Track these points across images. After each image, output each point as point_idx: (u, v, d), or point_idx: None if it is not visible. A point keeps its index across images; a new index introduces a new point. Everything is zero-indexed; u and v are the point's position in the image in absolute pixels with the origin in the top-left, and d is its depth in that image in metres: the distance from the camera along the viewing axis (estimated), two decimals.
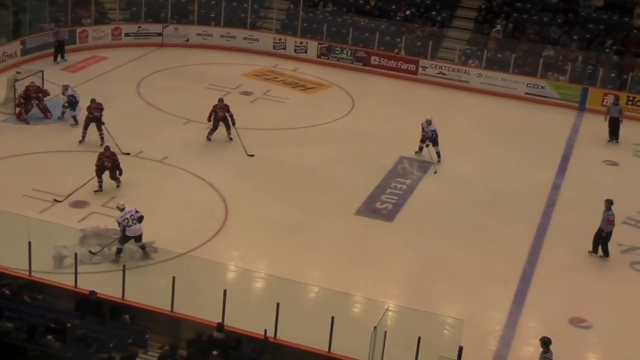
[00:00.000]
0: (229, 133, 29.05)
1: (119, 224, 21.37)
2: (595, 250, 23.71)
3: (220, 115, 28.83)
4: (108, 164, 25.06)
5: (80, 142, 28.05)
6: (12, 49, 35.07)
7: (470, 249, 23.78)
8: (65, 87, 30.10)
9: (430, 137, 28.67)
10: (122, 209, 21.44)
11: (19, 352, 15.06)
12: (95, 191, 24.99)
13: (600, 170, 30.11)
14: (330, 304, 19.27)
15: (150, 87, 34.15)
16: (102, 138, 27.84)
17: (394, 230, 24.70)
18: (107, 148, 25.54)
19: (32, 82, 30.21)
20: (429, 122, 28.71)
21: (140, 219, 21.40)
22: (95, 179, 24.98)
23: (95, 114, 27.95)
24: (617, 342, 20.52)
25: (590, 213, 25.86)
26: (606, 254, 23.64)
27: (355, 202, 25.80)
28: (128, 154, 27.19)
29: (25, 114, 29.67)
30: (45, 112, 29.81)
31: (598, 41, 38.02)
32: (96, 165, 25.00)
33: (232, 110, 29.04)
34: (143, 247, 21.58)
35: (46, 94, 30.24)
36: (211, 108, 28.93)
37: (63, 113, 29.99)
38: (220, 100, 29.19)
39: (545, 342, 17.78)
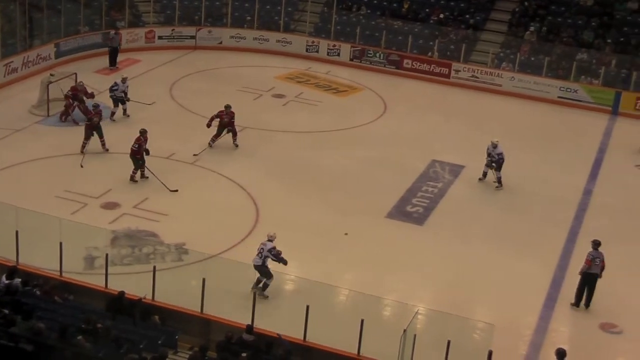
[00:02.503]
0: (234, 139, 28.87)
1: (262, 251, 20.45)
2: (578, 302, 21.39)
3: (226, 122, 28.71)
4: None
5: (82, 152, 27.57)
6: (46, 52, 35.39)
7: (501, 253, 23.70)
8: (125, 79, 30.89)
9: (496, 161, 27.26)
10: (269, 239, 20.63)
11: (51, 352, 15.19)
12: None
13: (633, 174, 29.88)
14: (360, 307, 19.29)
15: (183, 90, 34.29)
16: (103, 145, 27.79)
17: (425, 233, 24.66)
18: (227, 106, 28.10)
19: (80, 82, 30.69)
20: (494, 145, 27.29)
21: (265, 257, 20.31)
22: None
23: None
24: None
25: (622, 218, 25.82)
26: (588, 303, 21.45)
27: (387, 205, 25.79)
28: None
29: (72, 114, 29.91)
30: (86, 113, 29.90)
31: (632, 44, 37.76)
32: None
33: (264, 112, 29.04)
34: (259, 282, 20.55)
35: (92, 96, 30.49)
36: (216, 113, 28.78)
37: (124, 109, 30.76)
38: (228, 106, 28.90)
39: (560, 354, 17.40)
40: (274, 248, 20.35)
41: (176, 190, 25.54)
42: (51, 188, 24.97)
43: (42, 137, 28.87)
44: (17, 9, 34.80)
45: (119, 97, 30.57)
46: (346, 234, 22.54)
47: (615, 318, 20.96)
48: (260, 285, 20.30)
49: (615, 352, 20.34)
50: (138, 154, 26.02)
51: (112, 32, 36.78)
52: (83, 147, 27.55)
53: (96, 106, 28.54)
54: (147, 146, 26.23)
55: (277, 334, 17.69)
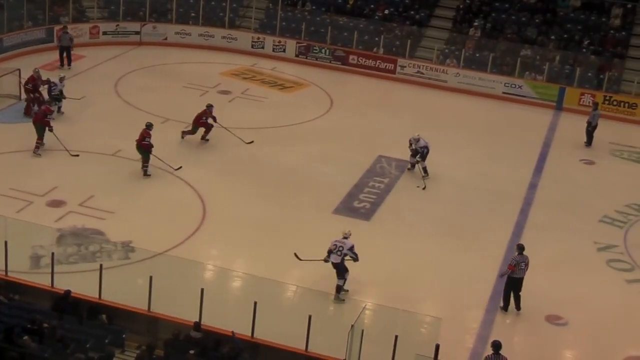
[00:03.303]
0: (206, 135, 29.04)
1: (335, 248, 20.82)
2: (506, 306, 21.23)
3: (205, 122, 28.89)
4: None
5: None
6: None
7: (448, 247, 23.86)
8: (62, 78, 30.58)
9: (421, 154, 27.66)
10: (345, 237, 21.01)
11: None
12: None
13: (577, 169, 30.28)
14: (307, 303, 19.33)
15: (129, 86, 34.06)
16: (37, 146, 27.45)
17: (372, 229, 24.72)
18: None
19: (36, 69, 30.44)
20: (417, 140, 27.73)
21: (344, 255, 20.72)
22: None
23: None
24: (593, 339, 20.64)
25: (567, 212, 26.14)
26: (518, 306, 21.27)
27: (333, 201, 25.84)
28: (77, 155, 27.03)
29: (34, 107, 29.31)
30: (41, 104, 29.48)
31: (575, 41, 38.22)
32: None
33: (211, 109, 29.03)
34: (338, 288, 20.89)
35: (47, 82, 30.16)
36: (202, 112, 28.81)
37: (59, 107, 30.33)
38: (210, 106, 28.97)
39: (496, 346, 17.57)
40: (354, 246, 20.77)
41: (180, 167, 26.69)
42: None
43: None
44: None
45: (56, 96, 30.17)
46: (295, 254, 22.38)
47: (560, 310, 21.21)
48: (339, 293, 20.80)
49: (562, 344, 20.54)
50: (148, 148, 26.26)
51: (61, 29, 36.24)
52: (36, 147, 27.21)
53: (62, 78, 29.04)
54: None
55: (232, 332, 17.66)
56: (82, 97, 31.08)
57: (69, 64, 35.64)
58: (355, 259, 20.85)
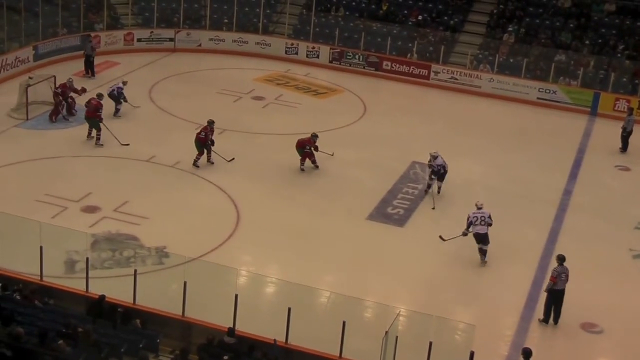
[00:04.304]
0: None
1: (470, 218, 23.09)
2: (547, 319, 20.90)
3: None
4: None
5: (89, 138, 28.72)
6: (25, 55, 35.21)
7: None
8: (125, 82, 31.79)
9: (436, 172, 26.56)
10: (479, 208, 23.30)
11: (30, 357, 15.10)
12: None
13: (612, 175, 30.05)
14: (341, 309, 19.23)
15: (163, 92, 34.21)
16: (98, 139, 28.50)
17: (406, 235, 24.69)
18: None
19: (70, 78, 30.99)
20: (434, 157, 26.52)
21: (488, 225, 22.99)
22: None
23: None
24: (629, 347, 20.43)
25: (601, 219, 25.94)
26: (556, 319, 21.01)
27: (367, 207, 25.80)
28: (127, 144, 28.34)
29: (62, 111, 30.16)
30: (70, 110, 30.40)
31: (610, 46, 37.96)
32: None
33: (244, 115, 29.11)
34: (481, 251, 23.16)
35: (83, 90, 31.02)
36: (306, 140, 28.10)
37: (117, 109, 31.27)
38: (315, 136, 28.22)
39: (526, 353, 17.50)
40: (490, 214, 23.11)
41: (233, 159, 28.00)
42: (31, 192, 24.84)
43: (21, 140, 28.72)
44: None
45: (117, 97, 31.14)
46: (440, 237, 23.88)
47: (595, 318, 21.02)
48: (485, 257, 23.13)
49: (597, 352, 20.43)
50: (204, 141, 27.44)
51: (86, 37, 36.47)
52: (98, 138, 28.42)
53: (100, 96, 28.81)
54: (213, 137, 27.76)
55: (274, 340, 17.65)
56: (138, 107, 31.91)
57: (93, 74, 35.78)
58: (491, 224, 23.02)
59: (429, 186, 26.93)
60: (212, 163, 27.70)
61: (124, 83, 31.57)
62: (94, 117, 28.30)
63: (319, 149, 27.96)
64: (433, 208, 26.24)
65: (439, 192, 26.88)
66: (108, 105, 29.84)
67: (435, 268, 22.90)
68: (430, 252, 23.63)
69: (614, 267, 23.68)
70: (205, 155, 27.61)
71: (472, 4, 41.22)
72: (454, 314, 20.11)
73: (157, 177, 26.71)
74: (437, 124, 33.32)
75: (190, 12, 41.06)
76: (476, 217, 22.84)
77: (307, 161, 27.86)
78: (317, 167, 27.92)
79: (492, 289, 22.07)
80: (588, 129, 34.57)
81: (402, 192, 27.04)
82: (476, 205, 23.24)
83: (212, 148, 27.67)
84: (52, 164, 27.13)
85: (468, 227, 22.85)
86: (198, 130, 27.80)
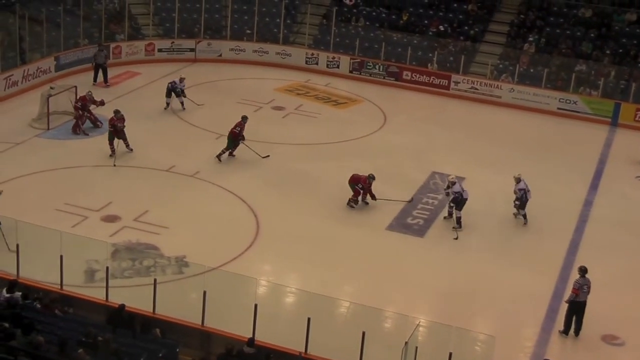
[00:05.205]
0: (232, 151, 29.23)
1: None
2: (567, 331, 20.77)
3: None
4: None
5: (111, 155, 28.19)
6: (47, 65, 35.39)
7: (502, 264, 23.69)
8: (182, 79, 33.27)
9: (455, 199, 25.43)
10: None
11: None
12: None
13: (634, 186, 29.87)
14: (361, 319, 19.19)
15: (184, 102, 34.25)
16: (127, 145, 28.51)
17: (425, 245, 24.64)
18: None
19: (89, 91, 31.00)
20: (453, 183, 25.57)
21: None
22: None
23: (118, 125, 28.20)
24: None
25: (623, 230, 25.79)
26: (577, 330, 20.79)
27: (387, 218, 25.78)
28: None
29: (82, 126, 30.26)
30: (95, 122, 30.43)
31: (631, 56, 37.81)
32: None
33: (264, 124, 29.20)
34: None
35: (102, 103, 31.06)
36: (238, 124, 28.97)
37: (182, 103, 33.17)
38: (245, 118, 29.27)
39: None
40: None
41: (268, 156, 28.94)
42: (51, 201, 24.94)
43: (42, 150, 28.84)
44: (16, 22, 34.82)
45: (175, 90, 32.76)
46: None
47: (617, 330, 20.92)
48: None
49: None
50: (237, 136, 28.54)
51: (97, 48, 36.50)
52: (113, 151, 28.25)
53: (117, 112, 28.59)
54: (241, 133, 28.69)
55: (299, 353, 17.65)
56: (202, 104, 33.54)
57: (106, 82, 35.79)
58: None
59: (450, 214, 25.82)
60: (234, 156, 28.72)
61: (181, 80, 32.95)
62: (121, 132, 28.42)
63: (253, 150, 28.82)
64: (455, 238, 24.99)
65: (458, 224, 25.37)
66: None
67: (455, 278, 22.83)
68: (450, 263, 23.59)
69: (635, 278, 23.54)
70: (228, 151, 28.66)
71: (492, 14, 41.15)
72: (474, 325, 20.03)
73: (177, 187, 26.76)
74: (457, 134, 33.25)
75: (211, 22, 41.18)
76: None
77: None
78: (366, 203, 26.43)
79: (512, 300, 21.95)
80: (609, 139, 34.43)
81: (422, 203, 27.00)
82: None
83: (246, 144, 28.51)
84: (73, 173, 27.24)
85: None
86: (232, 126, 28.70)
